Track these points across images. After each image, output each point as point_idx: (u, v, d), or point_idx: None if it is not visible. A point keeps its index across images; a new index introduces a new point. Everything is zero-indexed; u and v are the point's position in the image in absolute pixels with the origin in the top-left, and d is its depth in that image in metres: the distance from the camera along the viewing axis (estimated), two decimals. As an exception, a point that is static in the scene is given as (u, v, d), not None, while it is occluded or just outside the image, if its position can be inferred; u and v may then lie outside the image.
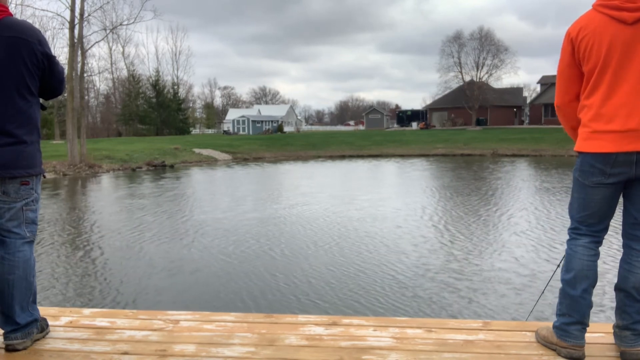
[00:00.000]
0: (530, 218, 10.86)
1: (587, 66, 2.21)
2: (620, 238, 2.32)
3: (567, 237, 2.40)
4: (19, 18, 2.43)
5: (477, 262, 7.52)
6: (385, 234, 9.48)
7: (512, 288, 6.30)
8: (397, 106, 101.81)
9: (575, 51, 2.24)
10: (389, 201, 13.93)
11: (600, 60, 2.16)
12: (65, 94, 25.88)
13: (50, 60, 2.44)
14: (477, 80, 59.00)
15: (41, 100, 2.58)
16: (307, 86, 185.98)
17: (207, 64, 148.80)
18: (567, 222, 2.43)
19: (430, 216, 11.34)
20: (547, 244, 8.50)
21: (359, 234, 9.55)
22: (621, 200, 2.30)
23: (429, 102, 71.63)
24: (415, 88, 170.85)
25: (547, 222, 10.40)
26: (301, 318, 2.79)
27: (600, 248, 2.34)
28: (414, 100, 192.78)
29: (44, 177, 2.57)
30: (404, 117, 74.16)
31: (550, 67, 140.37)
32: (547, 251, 8.01)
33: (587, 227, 2.30)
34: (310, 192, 15.95)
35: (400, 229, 9.95)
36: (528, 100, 67.95)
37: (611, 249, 7.01)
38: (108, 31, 28.95)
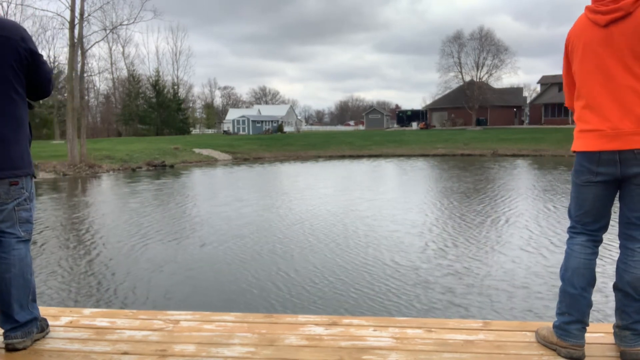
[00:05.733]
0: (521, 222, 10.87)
1: (573, 68, 2.33)
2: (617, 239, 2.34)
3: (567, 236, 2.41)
4: (4, 17, 2.40)
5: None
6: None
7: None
8: (397, 106, 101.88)
9: (567, 54, 2.36)
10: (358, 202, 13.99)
11: (578, 63, 2.26)
12: (65, 94, 25.85)
13: (35, 57, 2.38)
14: (477, 80, 59.04)
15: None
16: (304, 86, 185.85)
17: (203, 64, 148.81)
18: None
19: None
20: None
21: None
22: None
23: (428, 102, 71.76)
24: (413, 88, 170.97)
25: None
26: (301, 318, 2.79)
27: (600, 247, 2.35)
28: (413, 100, 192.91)
29: (34, 177, 2.52)
30: (404, 117, 74.23)
31: (547, 67, 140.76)
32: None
33: (582, 226, 2.33)
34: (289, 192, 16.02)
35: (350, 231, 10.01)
36: (528, 100, 68.01)
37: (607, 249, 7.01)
38: (108, 31, 28.95)
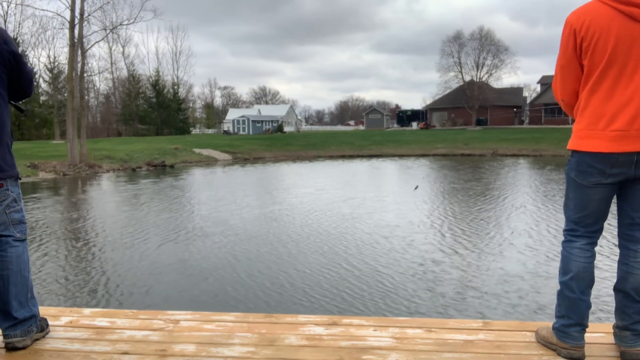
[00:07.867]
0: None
1: (589, 60, 2.11)
2: (613, 239, 2.31)
3: (562, 238, 2.36)
4: None
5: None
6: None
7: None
8: (397, 106, 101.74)
9: (578, 43, 2.13)
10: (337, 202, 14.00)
11: (606, 56, 2.07)
12: (65, 94, 25.82)
13: (17, 58, 2.37)
14: (477, 80, 59.05)
15: (19, 103, 2.51)
16: (303, 86, 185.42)
17: (201, 64, 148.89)
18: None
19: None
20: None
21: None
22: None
23: (428, 102, 71.73)
24: (411, 88, 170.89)
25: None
26: (301, 318, 2.79)
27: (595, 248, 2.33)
28: (411, 100, 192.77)
29: (19, 178, 2.49)
30: (404, 117, 74.21)
31: (545, 67, 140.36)
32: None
33: (584, 228, 2.26)
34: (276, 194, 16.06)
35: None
36: (528, 100, 68.00)
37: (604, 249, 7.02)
38: (108, 31, 28.92)
